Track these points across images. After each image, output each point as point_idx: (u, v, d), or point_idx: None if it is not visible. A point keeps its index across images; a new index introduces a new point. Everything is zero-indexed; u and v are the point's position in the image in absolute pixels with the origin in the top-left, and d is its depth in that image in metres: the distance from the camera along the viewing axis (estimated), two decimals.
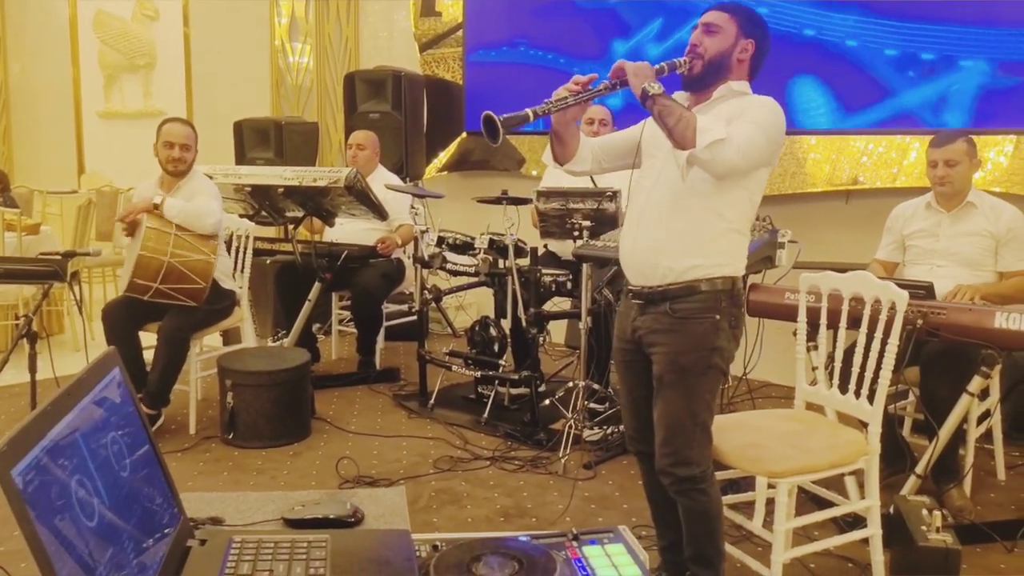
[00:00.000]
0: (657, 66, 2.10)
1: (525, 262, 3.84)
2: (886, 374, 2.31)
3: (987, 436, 3.25)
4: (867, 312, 2.39)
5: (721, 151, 1.97)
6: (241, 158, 6.15)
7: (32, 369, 3.38)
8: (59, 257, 3.49)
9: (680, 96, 2.24)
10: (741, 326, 2.21)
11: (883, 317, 2.32)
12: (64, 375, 3.69)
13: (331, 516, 1.48)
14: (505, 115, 1.99)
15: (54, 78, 7.54)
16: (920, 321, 2.76)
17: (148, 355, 3.83)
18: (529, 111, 2.00)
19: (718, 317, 2.12)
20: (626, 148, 2.32)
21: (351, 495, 1.62)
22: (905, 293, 2.29)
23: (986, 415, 3.14)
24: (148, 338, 3.81)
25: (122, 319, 3.71)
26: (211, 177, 4.09)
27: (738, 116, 2.08)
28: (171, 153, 3.76)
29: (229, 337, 4.62)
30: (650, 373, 2.20)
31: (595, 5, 5.22)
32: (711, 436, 2.20)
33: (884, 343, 2.31)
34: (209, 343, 4.39)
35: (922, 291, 2.90)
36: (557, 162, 2.32)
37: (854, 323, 2.45)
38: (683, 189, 2.11)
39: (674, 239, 2.13)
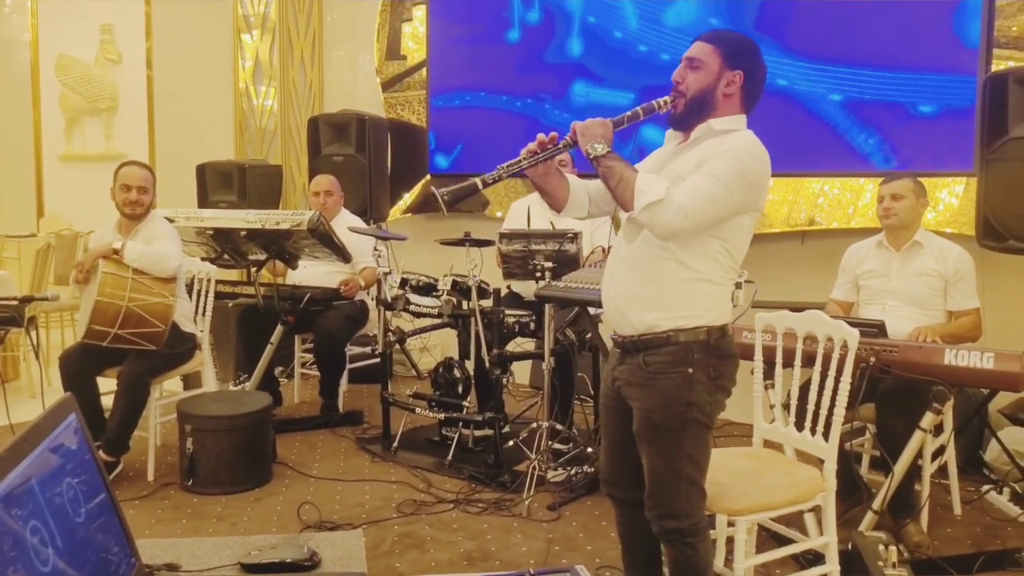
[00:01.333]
0: (631, 111, 2.07)
1: (488, 303, 3.86)
2: (840, 411, 2.35)
3: (942, 471, 3.31)
4: (820, 350, 2.45)
5: (658, 214, 1.93)
6: (204, 201, 6.13)
7: None
8: (16, 302, 3.44)
9: (669, 135, 2.21)
10: (727, 375, 2.13)
11: (836, 355, 2.38)
12: (20, 422, 3.63)
13: (287, 560, 1.47)
14: (450, 188, 1.98)
15: (14, 121, 7.48)
16: (873, 359, 2.83)
17: (107, 400, 3.77)
18: (477, 180, 2.02)
19: (690, 370, 2.05)
20: None
21: (308, 539, 1.61)
22: (856, 331, 2.35)
23: (940, 451, 3.21)
24: (106, 383, 3.76)
25: (80, 366, 3.66)
26: (172, 220, 4.08)
27: (705, 163, 2.01)
28: (128, 196, 3.74)
29: (189, 382, 4.57)
30: (628, 421, 2.17)
31: (560, 60, 5.32)
32: (702, 489, 2.12)
33: (837, 381, 2.37)
34: (169, 388, 4.35)
35: (874, 329, 2.97)
36: (554, 210, 2.27)
37: (809, 361, 2.51)
38: (653, 241, 2.06)
39: (639, 290, 2.10)
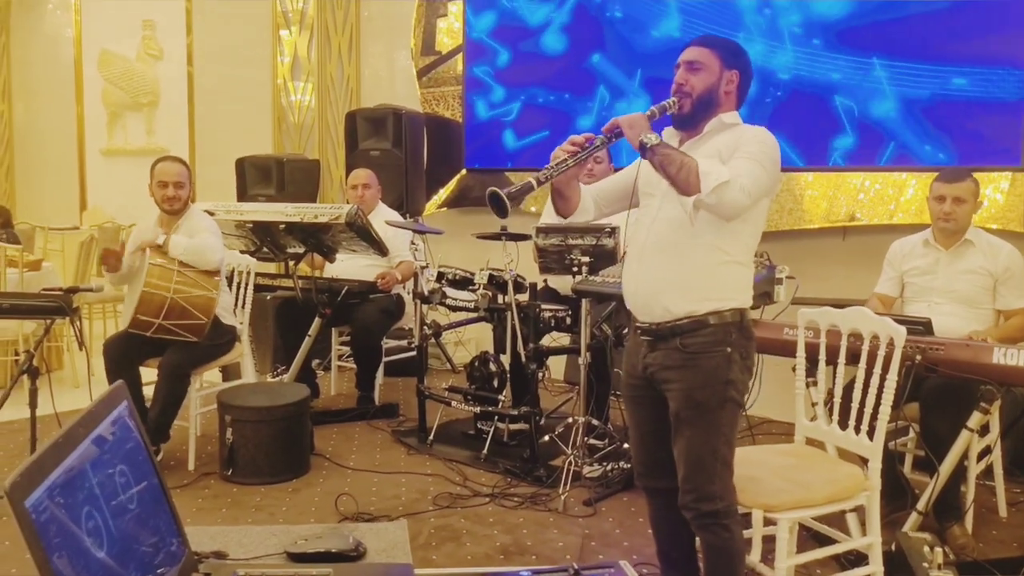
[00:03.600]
0: (648, 111, 2.14)
1: (524, 298, 3.86)
2: (885, 409, 2.32)
3: (988, 473, 3.25)
4: (866, 348, 2.41)
5: (726, 193, 1.99)
6: (243, 195, 6.19)
7: (33, 405, 3.37)
8: (62, 292, 3.50)
9: (669, 133, 2.27)
10: (753, 357, 2.22)
11: (881, 353, 2.34)
12: (64, 411, 3.68)
13: (334, 550, 1.48)
14: (509, 189, 2.04)
15: (58, 116, 7.63)
16: (918, 357, 2.77)
17: (148, 391, 3.83)
18: (532, 179, 2.05)
19: (729, 350, 2.13)
20: (624, 191, 2.35)
21: (352, 529, 1.62)
22: (903, 329, 2.31)
23: (987, 451, 3.14)
24: (148, 374, 3.82)
25: (123, 354, 3.72)
26: (212, 214, 4.12)
27: (731, 150, 2.11)
28: (166, 192, 3.78)
29: (229, 373, 4.62)
30: (659, 409, 2.21)
31: (595, 58, 5.31)
32: (732, 470, 2.19)
33: (883, 379, 2.33)
34: (209, 379, 4.40)
35: (920, 327, 2.91)
36: (561, 216, 2.34)
37: (853, 359, 2.47)
38: (684, 226, 2.12)
39: (677, 276, 2.15)
